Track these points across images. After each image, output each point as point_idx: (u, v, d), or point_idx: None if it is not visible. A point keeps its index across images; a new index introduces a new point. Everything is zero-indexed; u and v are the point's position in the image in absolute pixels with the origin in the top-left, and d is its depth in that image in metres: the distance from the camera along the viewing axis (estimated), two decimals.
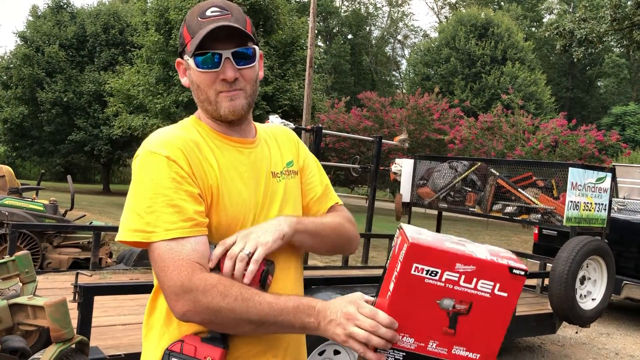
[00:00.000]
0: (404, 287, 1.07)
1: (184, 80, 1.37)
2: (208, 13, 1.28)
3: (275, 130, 1.52)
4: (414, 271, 1.06)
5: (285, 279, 1.34)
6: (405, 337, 1.08)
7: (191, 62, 1.28)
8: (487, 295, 1.07)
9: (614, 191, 7.87)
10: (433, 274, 1.07)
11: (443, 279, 1.07)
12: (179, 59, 1.36)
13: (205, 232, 1.20)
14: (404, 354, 1.08)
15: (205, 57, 1.26)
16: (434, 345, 1.08)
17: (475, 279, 1.07)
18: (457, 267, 1.06)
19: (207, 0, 1.32)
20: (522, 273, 1.08)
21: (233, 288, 1.14)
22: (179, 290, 1.14)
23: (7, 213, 5.95)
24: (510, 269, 1.08)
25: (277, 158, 1.44)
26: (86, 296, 2.68)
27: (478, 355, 1.08)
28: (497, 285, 1.08)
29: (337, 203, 1.52)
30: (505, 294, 1.08)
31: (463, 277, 1.07)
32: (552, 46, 30.17)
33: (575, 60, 16.44)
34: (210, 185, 1.25)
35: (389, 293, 1.09)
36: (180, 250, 1.15)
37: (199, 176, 1.23)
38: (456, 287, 1.07)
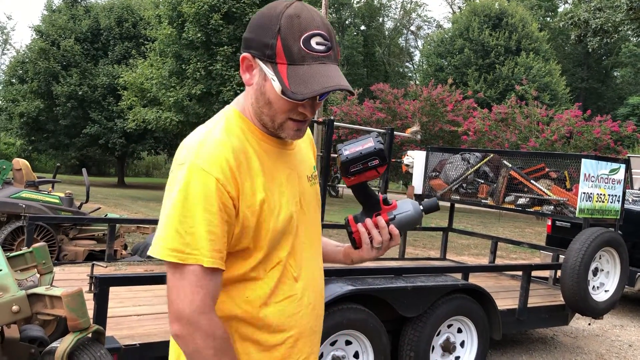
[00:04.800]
0: None
1: (247, 77, 1.23)
2: (314, 44, 1.15)
3: None
4: None
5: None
6: None
7: (276, 84, 1.16)
8: None
9: (628, 182, 7.83)
10: None
11: None
12: (246, 54, 1.21)
13: (224, 267, 1.18)
14: None
15: None
16: None
17: None
18: None
19: (308, 15, 1.16)
20: None
21: (227, 352, 1.16)
22: (183, 317, 1.13)
23: (24, 206, 6.05)
24: None
25: (308, 161, 1.43)
26: (102, 287, 2.74)
27: None
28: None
29: None
30: None
31: None
32: (567, 36, 29.82)
33: (590, 50, 16.26)
34: (262, 199, 1.21)
35: None
36: (204, 278, 1.13)
37: (247, 194, 1.19)
38: None
